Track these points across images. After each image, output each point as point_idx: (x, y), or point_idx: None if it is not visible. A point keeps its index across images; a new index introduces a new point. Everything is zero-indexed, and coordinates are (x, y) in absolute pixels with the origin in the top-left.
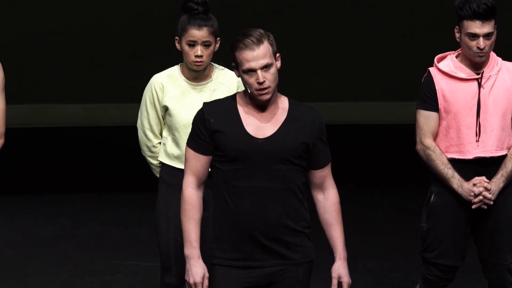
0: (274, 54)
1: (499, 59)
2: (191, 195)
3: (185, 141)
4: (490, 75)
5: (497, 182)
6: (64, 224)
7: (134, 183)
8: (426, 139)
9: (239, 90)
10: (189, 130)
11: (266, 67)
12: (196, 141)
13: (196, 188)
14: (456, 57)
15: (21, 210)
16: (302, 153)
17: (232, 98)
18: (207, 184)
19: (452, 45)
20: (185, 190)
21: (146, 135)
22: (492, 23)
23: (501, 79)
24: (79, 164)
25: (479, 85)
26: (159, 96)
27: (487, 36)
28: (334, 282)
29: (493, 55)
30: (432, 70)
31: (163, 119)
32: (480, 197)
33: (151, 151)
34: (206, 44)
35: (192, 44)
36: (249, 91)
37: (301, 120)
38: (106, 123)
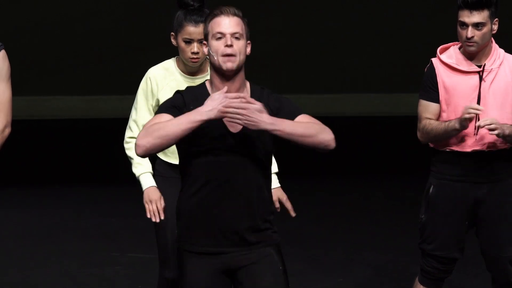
0: (246, 37)
1: (502, 51)
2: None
3: None
4: (491, 68)
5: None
6: (64, 216)
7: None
8: (421, 123)
9: None
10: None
11: (236, 36)
12: (174, 111)
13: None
14: (459, 48)
15: (21, 202)
16: (271, 146)
17: (202, 86)
18: None
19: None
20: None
21: (129, 125)
22: (484, 13)
23: (502, 73)
24: (79, 156)
25: (480, 78)
26: (153, 88)
27: (476, 26)
28: None
29: (495, 47)
30: (434, 61)
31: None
32: (473, 111)
33: (126, 142)
34: (202, 41)
35: (188, 41)
36: (215, 60)
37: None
38: (106, 115)
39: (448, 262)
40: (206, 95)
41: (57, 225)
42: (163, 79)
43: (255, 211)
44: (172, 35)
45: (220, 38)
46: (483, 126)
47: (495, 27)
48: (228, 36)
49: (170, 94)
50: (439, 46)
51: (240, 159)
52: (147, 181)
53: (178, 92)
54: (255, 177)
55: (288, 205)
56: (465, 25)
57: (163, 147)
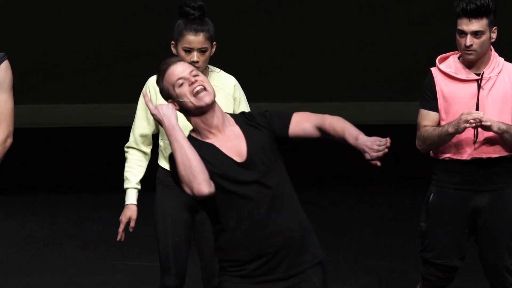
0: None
1: (501, 60)
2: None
3: None
4: (490, 77)
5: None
6: (64, 224)
7: None
8: (419, 132)
9: (236, 94)
10: (186, 132)
11: (194, 73)
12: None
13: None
14: (458, 57)
15: (21, 209)
16: (275, 150)
17: (192, 140)
18: None
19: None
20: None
21: (130, 135)
22: (482, 22)
23: (501, 81)
24: (80, 163)
25: (479, 87)
26: (152, 97)
27: (475, 34)
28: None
29: (494, 55)
30: (433, 70)
31: (156, 125)
32: (473, 116)
33: (125, 151)
34: (202, 50)
35: (188, 50)
36: (188, 102)
37: (251, 125)
38: (107, 123)
39: (449, 270)
40: (205, 145)
41: (57, 233)
42: None
43: (294, 227)
44: (172, 43)
45: (182, 84)
46: (478, 121)
47: (494, 35)
48: (188, 76)
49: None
50: (440, 53)
51: (260, 179)
52: (128, 198)
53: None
54: (283, 191)
55: None
56: (464, 33)
57: None
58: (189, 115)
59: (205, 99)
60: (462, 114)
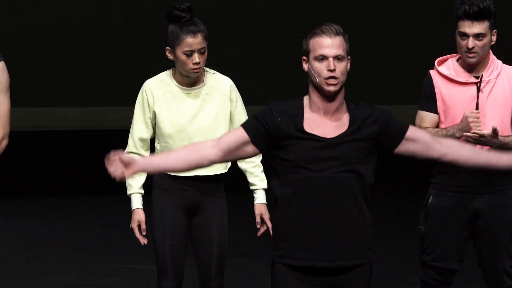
0: (347, 55)
1: (500, 62)
2: (202, 143)
3: (180, 147)
4: (489, 79)
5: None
6: (64, 227)
7: None
8: None
9: (233, 95)
10: (183, 135)
11: (339, 58)
12: (254, 125)
13: (212, 148)
14: (457, 60)
15: (21, 213)
16: (366, 155)
17: (299, 105)
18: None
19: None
20: (201, 142)
21: (128, 139)
22: (484, 24)
23: (500, 84)
24: (79, 167)
25: (478, 89)
26: (149, 101)
27: (477, 36)
28: None
29: (493, 58)
30: (432, 73)
31: (154, 128)
32: (473, 119)
33: None
34: (201, 51)
35: (190, 53)
36: (316, 82)
37: (362, 120)
38: (105, 126)
39: (448, 273)
40: (300, 116)
41: (56, 236)
42: (159, 91)
43: (352, 222)
44: (168, 49)
45: (322, 60)
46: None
47: (494, 38)
48: (330, 60)
49: (166, 106)
50: (440, 56)
51: (336, 171)
52: (133, 203)
53: (269, 110)
54: (352, 191)
55: (268, 224)
56: (465, 35)
57: None
58: (311, 83)
59: (331, 88)
60: (467, 117)
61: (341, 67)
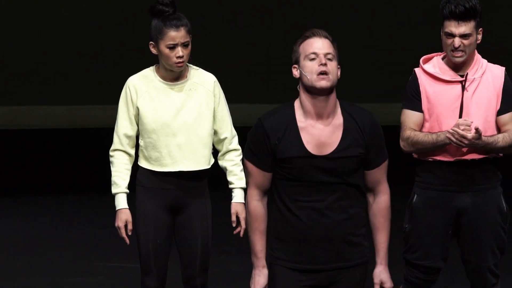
0: (337, 61)
1: (484, 61)
2: (255, 207)
3: (164, 142)
4: (474, 78)
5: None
6: (47, 226)
7: None
8: (405, 132)
9: (216, 91)
10: (167, 130)
11: (329, 57)
12: (258, 157)
13: (259, 200)
14: (442, 58)
15: (4, 211)
16: (359, 164)
17: (289, 111)
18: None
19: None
20: (249, 203)
21: (114, 137)
22: (470, 24)
23: (484, 82)
24: (62, 165)
25: (463, 88)
26: (132, 97)
27: (463, 36)
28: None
29: (478, 57)
30: (417, 71)
31: (137, 124)
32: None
33: (110, 155)
34: (185, 45)
35: (173, 46)
36: (308, 80)
37: (356, 127)
38: (89, 124)
39: (432, 271)
40: (293, 123)
41: (39, 235)
42: (142, 87)
43: (348, 229)
44: (151, 44)
45: (313, 58)
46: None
47: (480, 37)
48: (321, 55)
49: (149, 102)
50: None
51: (331, 179)
52: (119, 203)
53: (261, 121)
54: (348, 192)
55: (243, 224)
56: (452, 35)
57: None
58: (302, 87)
59: (323, 83)
60: (459, 125)
61: (333, 66)
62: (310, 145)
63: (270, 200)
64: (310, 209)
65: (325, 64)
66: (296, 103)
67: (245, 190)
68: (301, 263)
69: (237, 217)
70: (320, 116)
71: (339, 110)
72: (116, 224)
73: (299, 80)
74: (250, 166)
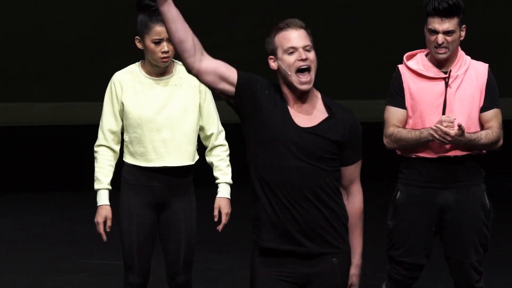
0: (312, 46)
1: (468, 58)
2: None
3: (149, 137)
4: (457, 75)
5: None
6: (31, 223)
7: None
8: (388, 129)
9: (202, 87)
10: (152, 125)
11: (307, 49)
12: (247, 81)
13: (202, 51)
14: (426, 55)
15: None
16: (334, 151)
17: (277, 86)
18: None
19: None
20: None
21: (98, 132)
22: (454, 21)
23: (468, 79)
24: (46, 163)
25: (446, 85)
26: (117, 92)
27: (447, 33)
28: None
29: (461, 54)
30: (401, 67)
31: (122, 120)
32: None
33: (94, 150)
34: (170, 40)
35: (158, 41)
36: (289, 74)
37: (338, 118)
38: (73, 122)
39: (415, 268)
40: (281, 95)
41: (24, 232)
42: (128, 82)
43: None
44: (137, 38)
45: (292, 52)
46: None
47: (463, 33)
48: (301, 50)
49: (134, 97)
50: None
51: (303, 161)
52: (100, 199)
53: (266, 81)
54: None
55: (224, 220)
56: (435, 32)
57: None
58: (281, 78)
59: (304, 86)
60: (442, 122)
61: (312, 56)
62: (294, 115)
63: None
64: (283, 190)
65: (305, 59)
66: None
67: (230, 186)
68: (270, 241)
69: (220, 212)
70: (296, 104)
71: (320, 101)
72: (95, 220)
73: (277, 71)
74: (233, 70)
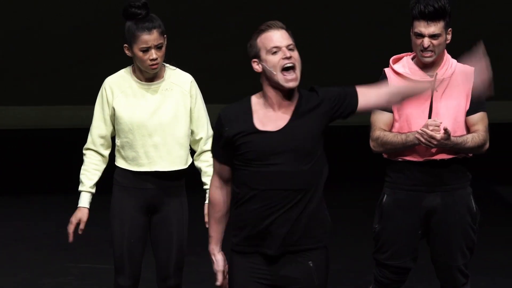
0: (295, 45)
1: (454, 61)
2: (213, 194)
3: (140, 142)
4: (443, 78)
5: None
6: (17, 226)
7: None
8: (374, 132)
9: (193, 91)
10: (143, 130)
11: (290, 48)
12: (219, 151)
13: (219, 187)
14: (412, 58)
15: None
16: (318, 142)
17: (247, 103)
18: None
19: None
20: (210, 189)
21: (87, 137)
22: (440, 24)
23: (454, 82)
24: (32, 166)
25: (432, 88)
26: (108, 97)
27: (433, 36)
28: None
29: (447, 57)
30: (387, 71)
31: (113, 125)
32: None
33: (83, 153)
34: (158, 47)
35: (146, 49)
36: (274, 74)
37: (310, 106)
38: (57, 125)
39: (402, 272)
40: (249, 114)
41: (10, 235)
42: (119, 87)
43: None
44: (126, 46)
45: (276, 52)
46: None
47: (449, 36)
48: (284, 49)
49: (125, 102)
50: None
51: (287, 162)
52: (80, 201)
53: (220, 120)
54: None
55: None
56: (421, 35)
57: None
58: (265, 80)
59: (291, 84)
60: (428, 126)
61: (296, 55)
62: (264, 126)
63: None
64: (266, 195)
65: (289, 57)
66: (254, 97)
67: None
68: (256, 246)
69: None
70: (280, 105)
71: (296, 97)
72: (70, 219)
73: (262, 74)
74: (214, 160)
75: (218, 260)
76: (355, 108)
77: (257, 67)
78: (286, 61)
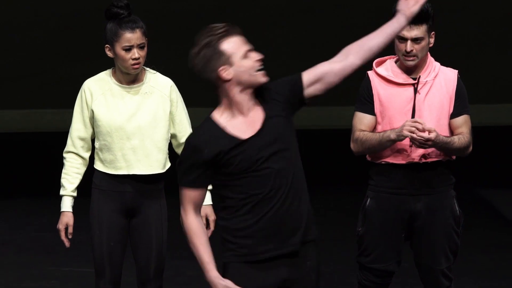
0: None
1: (437, 64)
2: (192, 224)
3: (119, 145)
4: (426, 81)
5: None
6: (0, 230)
7: None
8: (355, 134)
9: (173, 95)
10: (121, 133)
11: (249, 50)
12: (192, 178)
13: (195, 215)
14: (396, 61)
15: None
16: (292, 130)
17: (211, 122)
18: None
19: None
20: (186, 221)
21: (67, 139)
22: (422, 28)
23: (437, 85)
24: (15, 169)
25: (415, 91)
26: (87, 100)
27: (415, 40)
28: None
29: (431, 60)
30: (370, 73)
31: (93, 127)
32: (412, 125)
33: (63, 157)
34: (141, 46)
35: (128, 48)
36: (253, 75)
37: (271, 98)
38: (42, 128)
39: (385, 275)
40: (221, 131)
41: None
42: (98, 89)
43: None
44: (107, 47)
45: (246, 57)
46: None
47: (432, 40)
48: (254, 53)
49: (104, 104)
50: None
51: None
52: (63, 205)
53: (189, 139)
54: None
55: (212, 226)
56: (404, 39)
57: None
58: (235, 86)
59: (264, 78)
60: (406, 122)
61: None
62: (244, 134)
63: None
64: (264, 199)
65: (261, 59)
66: (216, 113)
67: (210, 191)
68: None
69: (207, 220)
70: (249, 109)
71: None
72: (57, 226)
73: (228, 82)
74: (184, 190)
75: (228, 283)
76: (301, 83)
77: (225, 75)
78: (260, 62)
